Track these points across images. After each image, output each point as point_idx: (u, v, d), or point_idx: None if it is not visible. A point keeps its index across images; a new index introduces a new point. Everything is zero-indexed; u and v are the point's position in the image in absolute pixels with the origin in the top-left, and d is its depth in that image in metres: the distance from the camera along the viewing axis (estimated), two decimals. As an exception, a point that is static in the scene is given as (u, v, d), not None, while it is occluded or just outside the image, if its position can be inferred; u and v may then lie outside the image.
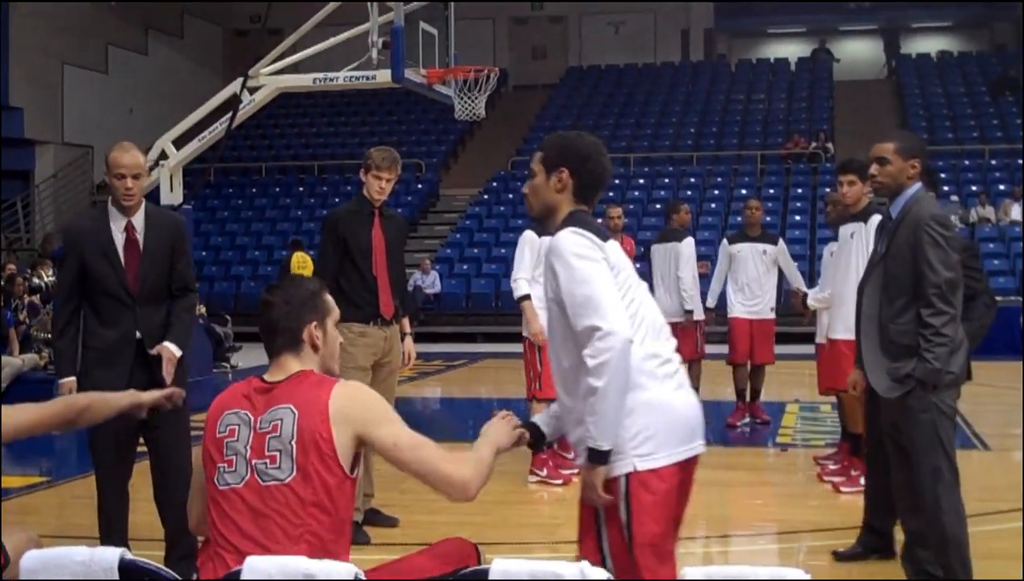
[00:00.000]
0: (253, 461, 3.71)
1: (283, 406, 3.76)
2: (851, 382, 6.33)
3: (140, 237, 6.06)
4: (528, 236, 9.19)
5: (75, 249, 6.02)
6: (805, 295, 9.39)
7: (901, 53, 36.86)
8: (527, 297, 9.04)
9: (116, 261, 5.99)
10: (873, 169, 5.83)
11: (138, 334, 6.04)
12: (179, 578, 3.14)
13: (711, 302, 12.01)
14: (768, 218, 26.83)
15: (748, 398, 11.89)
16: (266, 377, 3.89)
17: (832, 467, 9.29)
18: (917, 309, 5.49)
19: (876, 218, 7.97)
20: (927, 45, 37.67)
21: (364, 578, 2.96)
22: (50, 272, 13.79)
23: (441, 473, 3.80)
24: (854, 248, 8.22)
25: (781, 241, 11.97)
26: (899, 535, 6.24)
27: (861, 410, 7.71)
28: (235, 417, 3.81)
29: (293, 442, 3.69)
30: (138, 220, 6.07)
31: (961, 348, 5.55)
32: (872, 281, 5.82)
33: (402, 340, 7.85)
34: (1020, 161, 28.37)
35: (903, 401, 5.56)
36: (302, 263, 24.66)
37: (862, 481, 8.50)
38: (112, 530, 6.08)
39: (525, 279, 9.10)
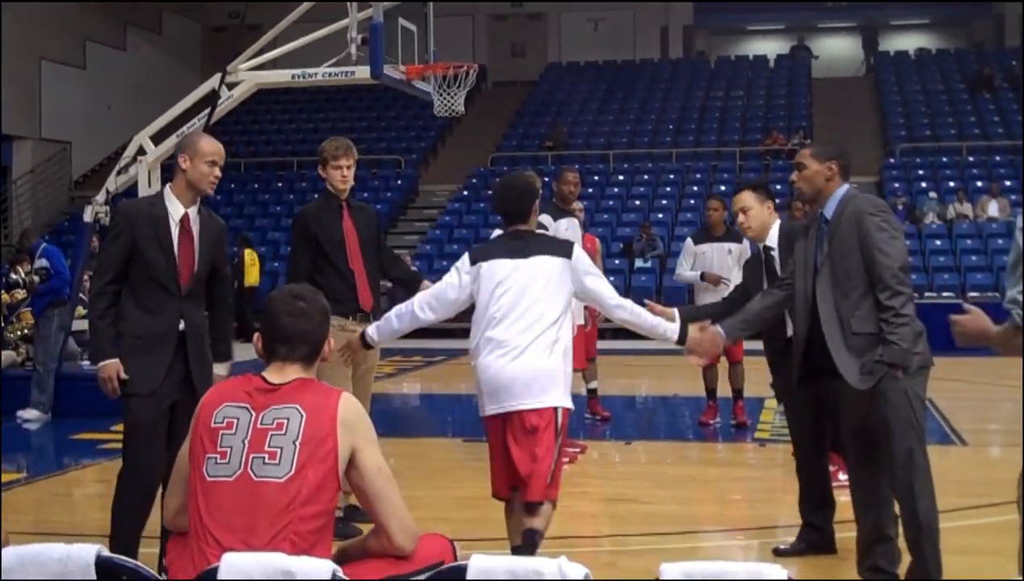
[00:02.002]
0: (250, 455, 3.72)
1: (289, 406, 3.78)
2: None
3: (195, 230, 6.03)
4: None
5: (128, 230, 5.91)
6: None
7: (879, 50, 36.95)
8: None
9: (170, 250, 5.93)
10: (793, 176, 6.08)
11: (182, 326, 6.01)
12: (156, 575, 3.13)
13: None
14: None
15: (732, 397, 11.62)
16: (269, 378, 3.90)
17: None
18: (874, 296, 5.59)
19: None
20: (905, 42, 37.80)
21: (342, 575, 2.96)
22: (28, 268, 13.73)
23: (392, 523, 3.88)
24: None
25: (746, 240, 11.63)
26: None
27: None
28: (234, 410, 3.82)
29: (298, 441, 3.73)
30: (193, 213, 6.04)
31: (923, 332, 5.64)
32: (820, 286, 5.85)
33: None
34: (997, 158, 28.54)
35: (876, 389, 5.60)
36: (251, 261, 24.75)
37: (841, 477, 8.55)
38: (132, 529, 5.90)
39: None
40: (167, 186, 6.05)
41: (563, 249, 6.04)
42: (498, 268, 5.94)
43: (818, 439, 6.92)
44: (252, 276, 24.94)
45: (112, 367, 5.85)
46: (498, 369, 5.81)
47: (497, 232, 6.74)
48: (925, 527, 5.57)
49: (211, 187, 6.02)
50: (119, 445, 6.19)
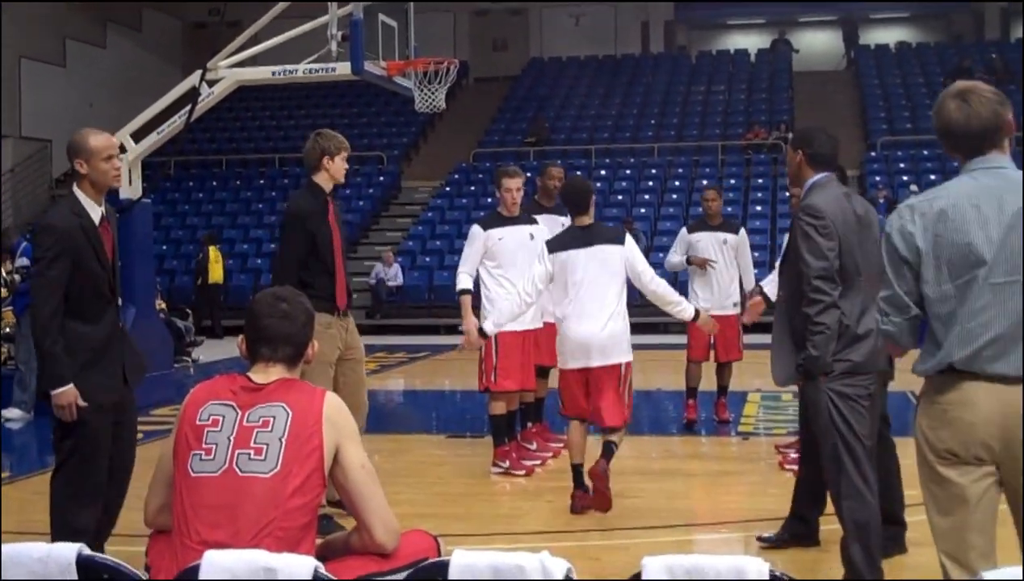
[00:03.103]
0: (235, 451, 3.73)
1: (275, 404, 3.80)
2: None
3: (109, 228, 5.94)
4: (474, 230, 9.16)
5: (69, 249, 5.66)
6: (760, 289, 9.26)
7: (860, 44, 37.05)
8: (466, 291, 9.05)
9: (104, 256, 5.80)
10: None
11: (120, 327, 5.98)
12: (139, 574, 3.12)
13: None
14: (729, 209, 26.97)
15: (716, 393, 11.48)
16: (253, 378, 3.91)
17: (793, 455, 9.32)
18: None
19: None
20: (885, 36, 37.91)
21: (324, 572, 2.96)
22: (9, 267, 13.69)
23: (374, 520, 3.89)
24: None
25: (742, 230, 11.50)
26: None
27: None
28: (220, 407, 3.83)
29: (284, 438, 3.75)
30: (104, 209, 5.90)
31: (867, 336, 5.52)
32: (784, 277, 5.90)
33: None
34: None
35: (803, 392, 5.66)
36: (215, 258, 24.77)
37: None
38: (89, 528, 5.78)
39: (467, 274, 9.09)
40: (76, 192, 5.81)
41: (617, 238, 7.85)
42: (570, 256, 7.74)
43: None
44: (216, 273, 24.94)
45: (71, 393, 5.65)
46: (579, 335, 7.69)
47: (565, 222, 8.71)
48: (851, 528, 5.53)
49: (116, 181, 5.94)
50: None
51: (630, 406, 7.82)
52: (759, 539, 6.85)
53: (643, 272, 7.73)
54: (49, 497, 5.90)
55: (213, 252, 25.00)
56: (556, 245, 7.86)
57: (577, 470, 7.86)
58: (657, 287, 7.75)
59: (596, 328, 7.62)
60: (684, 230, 11.52)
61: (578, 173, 7.72)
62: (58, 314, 5.67)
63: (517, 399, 9.38)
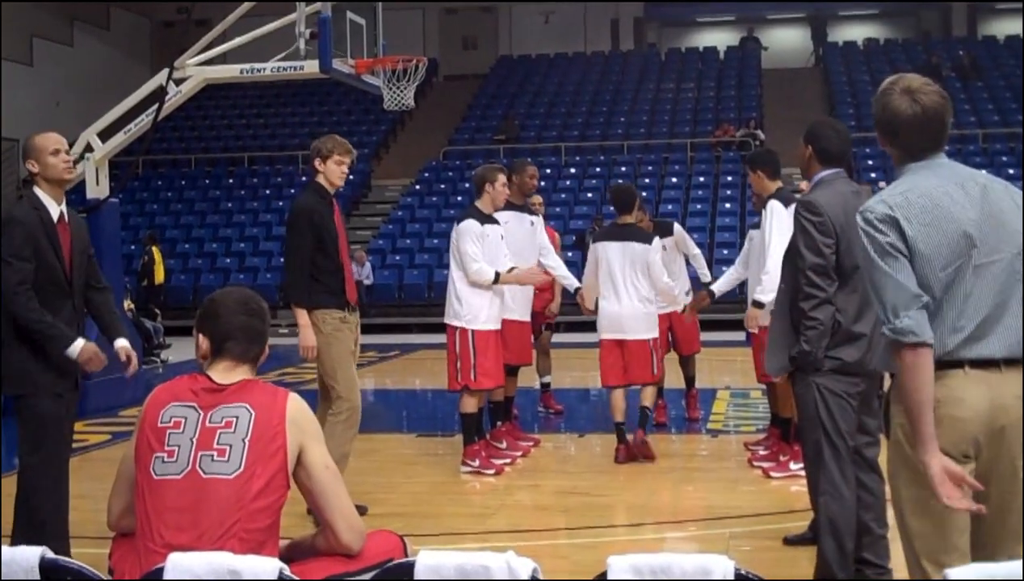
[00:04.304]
0: (198, 453, 3.71)
1: (237, 405, 3.78)
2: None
3: (69, 226, 6.09)
4: (472, 225, 9.00)
5: (31, 240, 5.87)
6: (711, 293, 9.37)
7: (828, 41, 37.21)
8: (497, 275, 8.98)
9: (60, 251, 5.97)
10: None
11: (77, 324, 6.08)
12: (103, 577, 3.10)
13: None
14: (698, 206, 27.07)
15: (685, 387, 11.51)
16: (214, 377, 3.88)
17: (762, 452, 9.36)
18: None
19: (772, 204, 8.33)
20: (854, 33, 38.09)
21: (288, 573, 2.94)
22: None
23: (339, 521, 3.89)
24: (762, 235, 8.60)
25: (676, 225, 11.43)
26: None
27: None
28: (182, 409, 3.81)
29: (247, 439, 3.73)
30: (64, 210, 6.10)
31: (860, 339, 5.52)
32: (785, 267, 5.91)
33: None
34: (946, 148, 28.72)
35: (793, 385, 5.69)
36: (159, 259, 24.74)
37: (792, 466, 8.60)
38: (48, 527, 5.90)
39: (484, 263, 8.99)
40: (35, 191, 6.05)
41: (646, 237, 9.56)
42: (608, 246, 9.51)
43: None
44: (160, 274, 24.87)
45: (88, 346, 5.88)
46: (611, 312, 9.47)
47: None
48: (824, 523, 5.53)
49: (67, 173, 6.09)
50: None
51: (659, 370, 9.65)
52: (785, 540, 6.84)
53: (658, 269, 9.53)
54: (16, 492, 6.00)
55: (156, 253, 24.93)
56: (600, 236, 9.76)
57: (619, 428, 9.46)
58: (664, 285, 9.63)
59: (623, 308, 9.39)
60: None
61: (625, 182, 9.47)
62: (34, 298, 5.87)
63: (486, 397, 9.40)
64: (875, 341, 5.49)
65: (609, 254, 9.44)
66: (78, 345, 5.87)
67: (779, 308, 5.85)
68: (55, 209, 6.01)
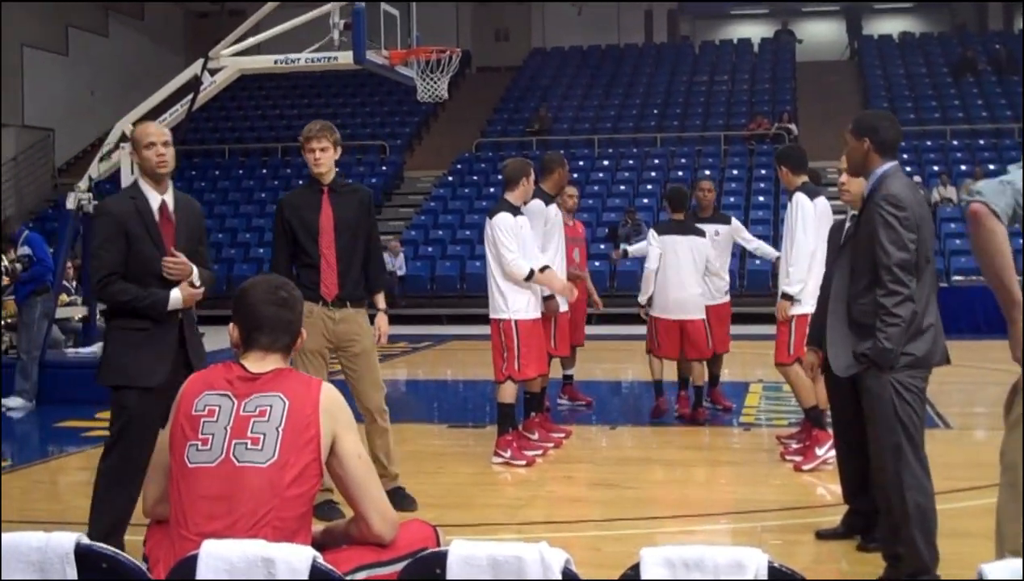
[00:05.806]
0: (232, 441, 3.72)
1: (271, 394, 3.79)
2: (806, 364, 6.81)
3: (173, 217, 6.12)
4: (507, 218, 8.97)
5: (121, 230, 5.95)
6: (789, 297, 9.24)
7: (863, 34, 36.98)
8: (541, 268, 9.05)
9: (158, 241, 6.03)
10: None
11: (180, 315, 6.12)
12: (137, 563, 3.11)
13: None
14: (732, 199, 26.95)
15: (709, 384, 11.40)
16: (248, 366, 3.90)
17: (795, 446, 9.33)
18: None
19: (797, 197, 8.41)
20: (889, 26, 37.82)
21: (322, 562, 2.95)
22: (12, 255, 13.67)
23: (371, 510, 3.91)
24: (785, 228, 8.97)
25: (735, 220, 11.65)
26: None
27: (814, 384, 8.51)
28: (216, 398, 3.82)
29: (281, 428, 3.73)
30: (169, 198, 6.13)
31: (928, 331, 5.52)
32: (840, 262, 5.86)
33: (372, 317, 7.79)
34: (981, 142, 28.63)
35: (862, 382, 5.60)
36: None
37: (818, 452, 8.58)
38: (118, 523, 5.96)
39: (522, 257, 9.01)
40: (139, 179, 6.15)
41: (699, 232, 10.79)
42: (673, 239, 10.69)
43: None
44: None
45: (182, 287, 6.02)
46: (681, 297, 10.64)
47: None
48: (917, 517, 5.49)
49: (161, 168, 6.06)
50: (104, 433, 6.20)
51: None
52: (817, 534, 6.80)
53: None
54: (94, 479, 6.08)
55: None
56: (662, 230, 10.83)
57: (659, 384, 11.09)
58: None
59: (684, 292, 10.63)
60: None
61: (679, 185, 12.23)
62: (113, 282, 5.95)
63: (521, 387, 9.41)
64: (939, 333, 5.52)
65: (677, 247, 10.62)
66: (175, 296, 5.98)
67: (837, 305, 5.80)
68: (155, 199, 6.06)
